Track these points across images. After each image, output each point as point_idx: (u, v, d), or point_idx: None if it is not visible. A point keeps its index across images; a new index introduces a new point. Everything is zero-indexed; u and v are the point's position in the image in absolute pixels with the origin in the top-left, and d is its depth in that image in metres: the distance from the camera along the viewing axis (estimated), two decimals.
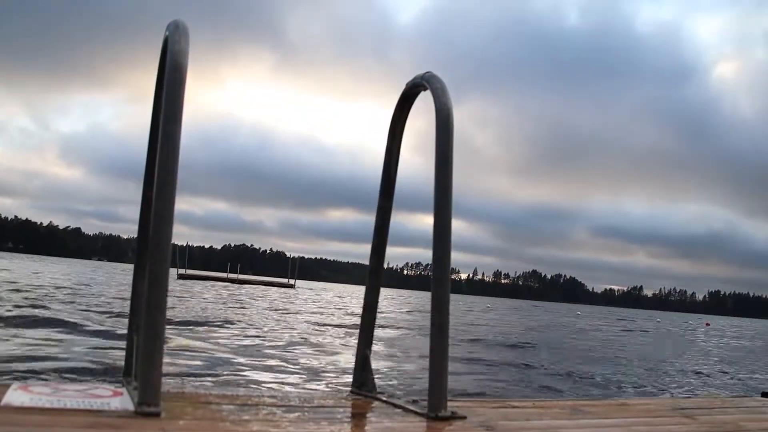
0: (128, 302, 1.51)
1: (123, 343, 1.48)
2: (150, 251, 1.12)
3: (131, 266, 1.46)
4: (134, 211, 1.46)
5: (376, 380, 1.54)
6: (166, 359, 1.14)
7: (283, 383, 4.90)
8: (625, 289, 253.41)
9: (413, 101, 1.53)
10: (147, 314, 1.10)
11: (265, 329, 9.58)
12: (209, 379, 4.77)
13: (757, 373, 9.80)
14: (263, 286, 39.48)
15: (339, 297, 32.47)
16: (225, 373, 5.09)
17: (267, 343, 7.56)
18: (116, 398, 1.17)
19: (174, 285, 23.96)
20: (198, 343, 6.79)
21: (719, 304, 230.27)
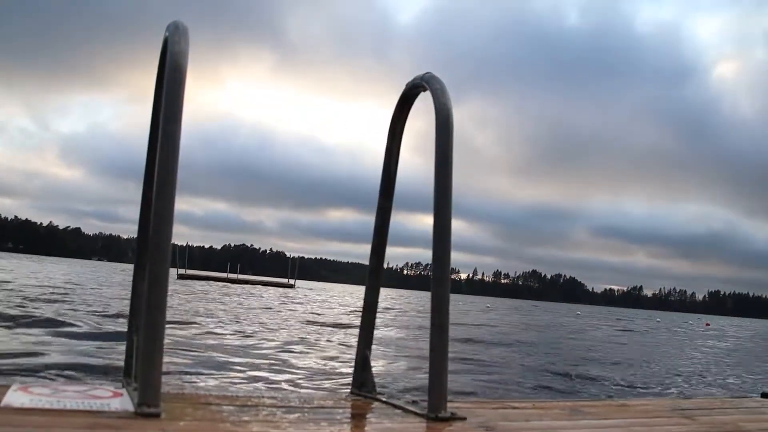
0: (127, 302, 1.51)
1: (122, 344, 1.48)
2: (150, 251, 1.12)
3: (131, 266, 1.46)
4: (134, 211, 1.47)
5: (376, 380, 1.54)
6: (164, 359, 1.14)
7: (282, 384, 4.90)
8: (625, 289, 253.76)
9: (413, 102, 1.53)
10: (147, 314, 1.10)
11: (265, 329, 9.58)
12: (209, 379, 4.77)
13: (757, 374, 9.80)
14: (263, 286, 39.49)
15: (338, 297, 32.48)
16: (224, 373, 5.09)
17: (267, 343, 7.56)
18: (116, 399, 1.17)
19: (174, 285, 23.96)
20: (197, 344, 6.78)
21: (719, 304, 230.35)
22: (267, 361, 5.98)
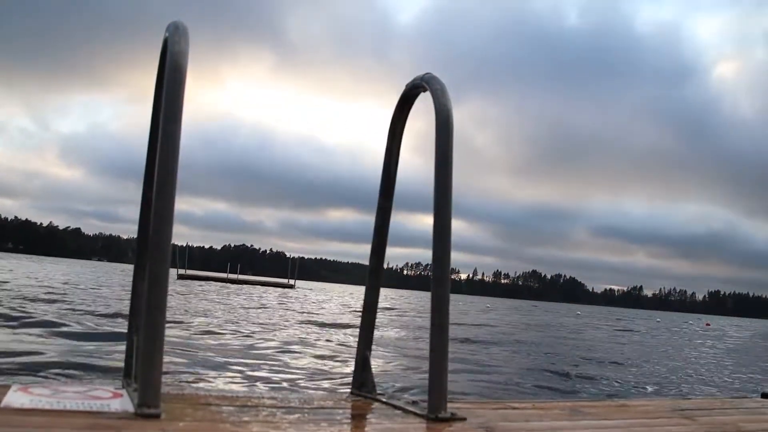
0: (126, 302, 1.51)
1: (122, 344, 1.47)
2: (150, 251, 1.12)
3: (130, 266, 1.46)
4: (134, 211, 1.46)
5: (376, 380, 1.54)
6: (164, 360, 1.14)
7: (282, 384, 4.90)
8: (625, 289, 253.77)
9: (413, 102, 1.53)
10: (147, 315, 1.10)
11: (265, 329, 9.58)
12: (209, 380, 4.77)
13: (756, 372, 9.80)
14: (263, 287, 39.49)
15: (338, 297, 32.47)
16: (224, 374, 5.09)
17: (266, 344, 7.56)
18: (116, 400, 1.17)
19: (174, 285, 23.95)
20: (197, 344, 6.78)
21: (719, 304, 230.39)
22: (267, 362, 5.97)
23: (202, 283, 35.46)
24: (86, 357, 5.19)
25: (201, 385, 4.51)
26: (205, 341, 7.23)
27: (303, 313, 15.25)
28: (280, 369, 5.63)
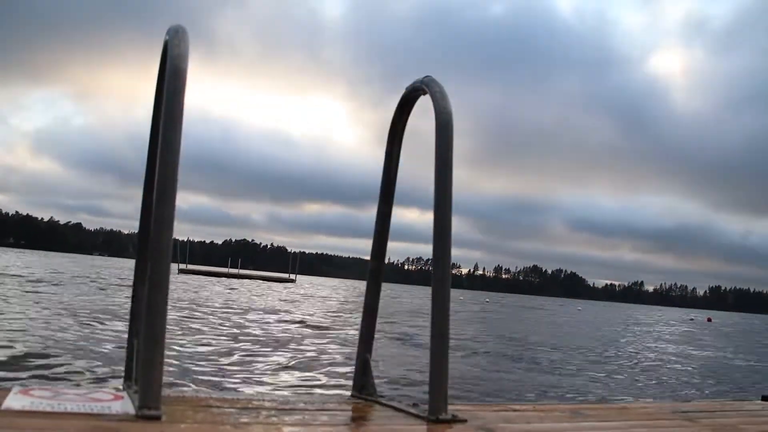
0: (125, 302, 1.52)
1: (122, 347, 1.48)
2: (150, 255, 1.12)
3: (130, 261, 1.46)
4: (136, 207, 1.46)
5: (376, 382, 1.54)
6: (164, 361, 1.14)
7: (283, 386, 4.91)
8: (626, 284, 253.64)
9: (413, 105, 1.53)
10: (147, 317, 1.10)
11: (264, 330, 9.58)
12: (209, 381, 4.77)
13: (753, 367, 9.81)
14: (263, 282, 39.53)
15: (340, 292, 32.49)
16: (224, 374, 5.10)
17: (266, 344, 7.56)
18: (117, 402, 1.17)
19: (174, 280, 23.96)
20: (196, 345, 6.79)
21: (720, 299, 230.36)
22: (266, 362, 5.98)
23: (203, 277, 35.51)
24: (87, 359, 5.20)
25: (201, 386, 4.52)
26: (204, 341, 7.23)
27: (303, 310, 15.26)
28: (280, 369, 5.65)
